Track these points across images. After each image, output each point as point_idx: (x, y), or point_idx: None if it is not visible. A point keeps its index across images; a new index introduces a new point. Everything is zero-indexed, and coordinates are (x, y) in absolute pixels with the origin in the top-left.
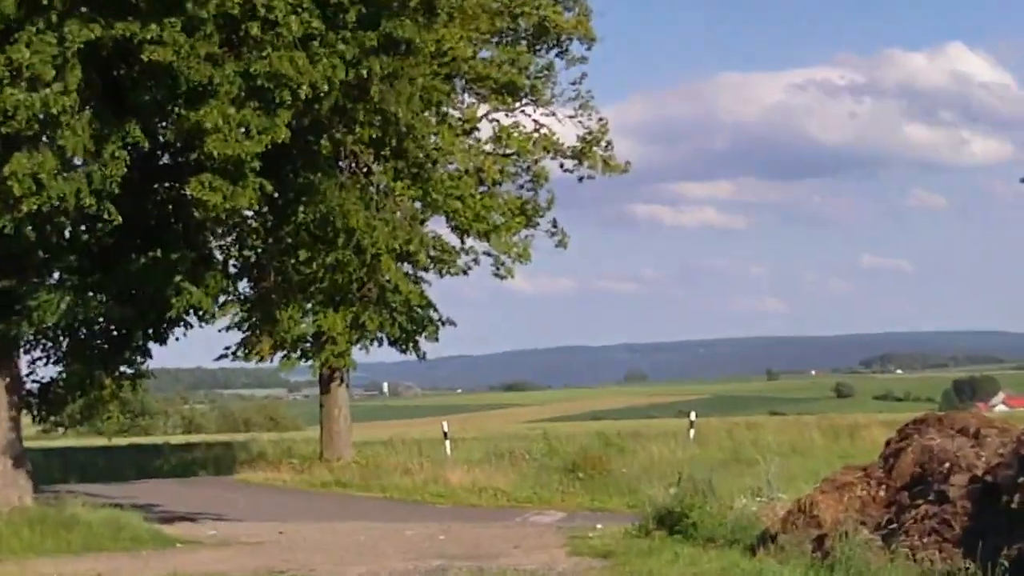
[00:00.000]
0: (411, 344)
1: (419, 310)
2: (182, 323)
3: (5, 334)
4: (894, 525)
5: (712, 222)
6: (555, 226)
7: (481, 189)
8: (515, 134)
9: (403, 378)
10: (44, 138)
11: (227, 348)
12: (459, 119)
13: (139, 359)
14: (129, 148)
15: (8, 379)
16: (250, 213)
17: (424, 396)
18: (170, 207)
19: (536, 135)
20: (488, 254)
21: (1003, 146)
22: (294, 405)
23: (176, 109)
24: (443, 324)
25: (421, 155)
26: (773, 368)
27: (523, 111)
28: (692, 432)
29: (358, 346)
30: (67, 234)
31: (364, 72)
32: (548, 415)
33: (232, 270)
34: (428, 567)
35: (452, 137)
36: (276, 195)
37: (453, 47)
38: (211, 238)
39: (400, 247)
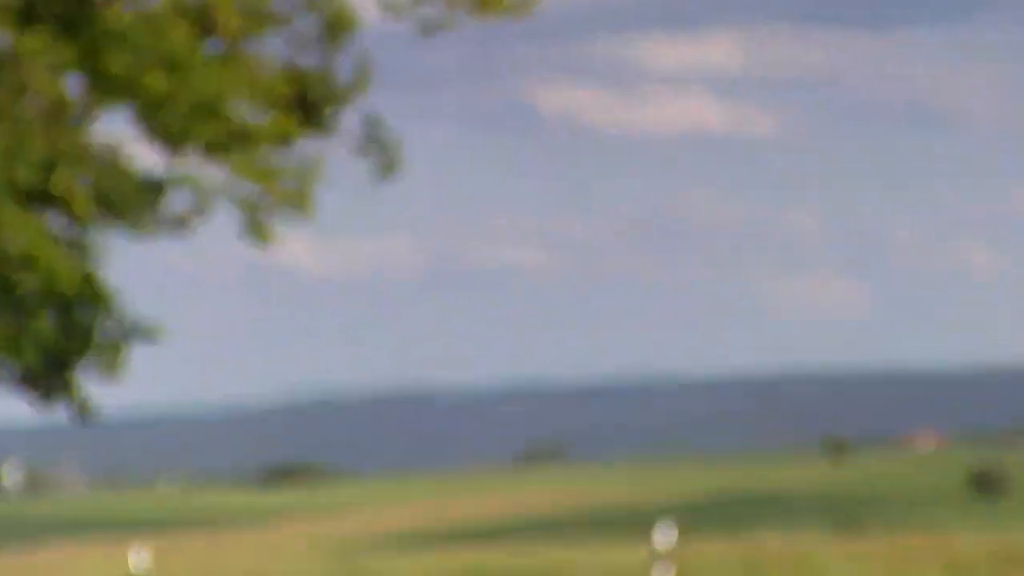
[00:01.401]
0: (66, 387)
1: (84, 308)
2: None
3: None
4: None
5: (704, 121)
6: (371, 130)
7: (211, 48)
8: None
9: (49, 456)
10: None
11: None
12: None
13: None
14: None
15: None
16: None
17: (96, 493)
18: None
19: None
20: (228, 195)
21: None
22: None
23: None
24: (139, 336)
25: None
26: (840, 432)
27: None
28: (669, 570)
29: None
30: None
31: None
32: (361, 530)
33: None
34: None
35: None
36: None
37: None
38: None
39: (27, 176)
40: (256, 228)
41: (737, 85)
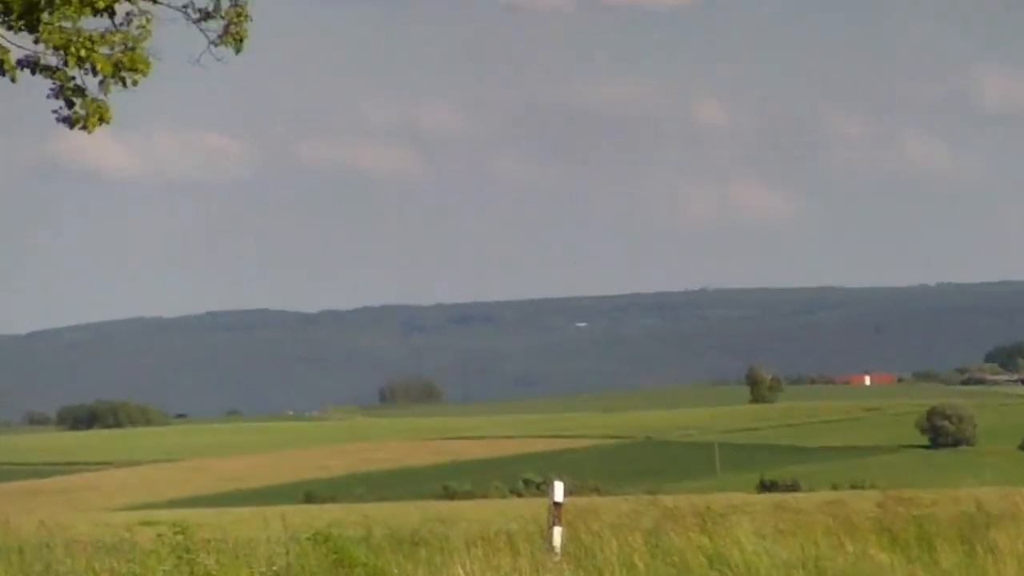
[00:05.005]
0: None
1: None
2: None
3: None
4: None
5: None
6: None
7: None
8: None
9: None
10: None
11: None
12: None
13: None
14: None
15: None
16: None
17: None
18: None
19: None
20: (37, 65)
21: None
22: None
23: None
24: None
25: None
26: (766, 366)
27: None
28: (558, 534)
29: None
30: None
31: None
32: (200, 488)
33: None
34: None
35: None
36: None
37: None
38: None
39: None
40: (74, 107)
41: None
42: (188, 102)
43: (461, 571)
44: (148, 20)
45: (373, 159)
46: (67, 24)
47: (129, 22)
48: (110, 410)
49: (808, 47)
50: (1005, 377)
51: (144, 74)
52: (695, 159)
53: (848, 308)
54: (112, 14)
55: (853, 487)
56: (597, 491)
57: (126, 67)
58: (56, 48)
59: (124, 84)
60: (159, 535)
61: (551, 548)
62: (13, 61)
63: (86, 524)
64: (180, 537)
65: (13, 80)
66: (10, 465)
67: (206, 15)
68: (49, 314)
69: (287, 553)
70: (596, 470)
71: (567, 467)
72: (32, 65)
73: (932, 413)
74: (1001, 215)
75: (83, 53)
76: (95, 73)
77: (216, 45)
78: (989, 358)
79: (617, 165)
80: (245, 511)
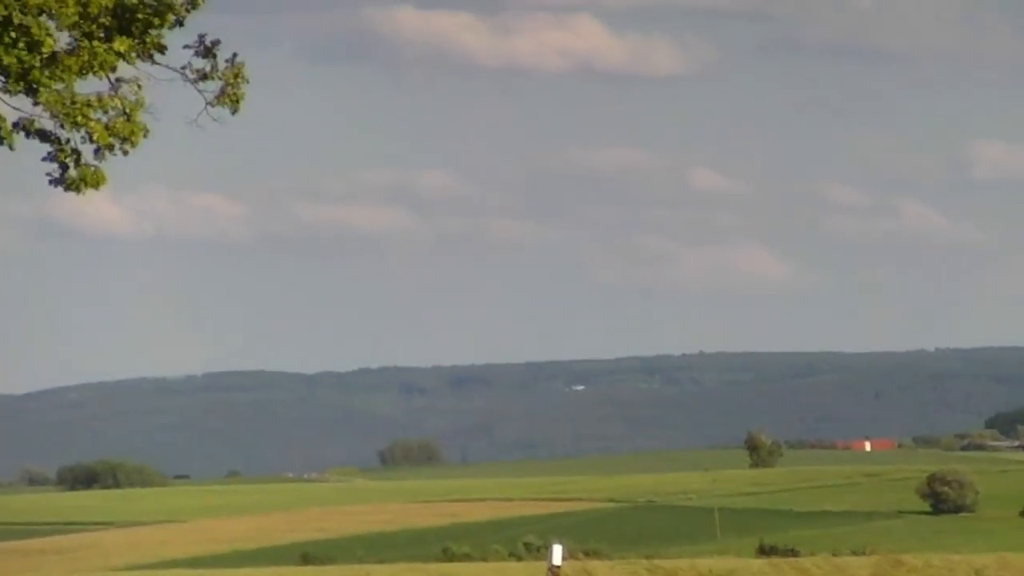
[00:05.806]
0: None
1: None
2: None
3: None
4: None
5: (595, 55)
6: (208, 54)
7: None
8: None
9: None
10: None
11: None
12: None
13: None
14: None
15: None
16: None
17: None
18: None
19: None
20: (31, 128)
21: None
22: None
23: None
24: None
25: None
26: (764, 431)
27: None
28: None
29: None
30: None
31: None
32: (199, 549)
33: None
34: None
35: None
36: None
37: None
38: None
39: None
40: (71, 171)
41: (633, 15)
42: (187, 163)
43: None
44: (140, 87)
45: (371, 221)
46: (62, 87)
47: (118, 88)
48: (109, 470)
49: (805, 115)
50: (1005, 443)
51: (135, 144)
52: (693, 224)
53: (847, 373)
54: (114, 71)
55: (853, 553)
56: (595, 555)
57: (120, 134)
58: (53, 114)
59: (113, 151)
60: None
61: None
62: (10, 126)
63: None
64: None
65: (11, 147)
66: (9, 525)
67: (203, 76)
68: (48, 374)
69: None
70: (596, 534)
71: (567, 530)
72: (26, 129)
73: (932, 479)
74: (999, 280)
75: (79, 120)
76: (91, 140)
77: (213, 106)
78: (989, 424)
79: (614, 229)
80: (244, 572)
